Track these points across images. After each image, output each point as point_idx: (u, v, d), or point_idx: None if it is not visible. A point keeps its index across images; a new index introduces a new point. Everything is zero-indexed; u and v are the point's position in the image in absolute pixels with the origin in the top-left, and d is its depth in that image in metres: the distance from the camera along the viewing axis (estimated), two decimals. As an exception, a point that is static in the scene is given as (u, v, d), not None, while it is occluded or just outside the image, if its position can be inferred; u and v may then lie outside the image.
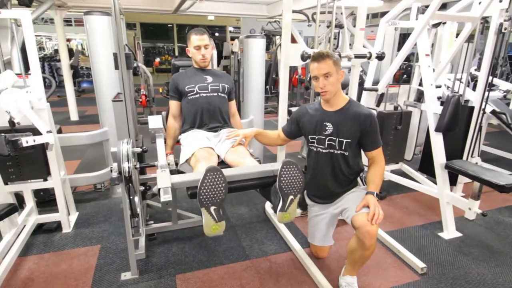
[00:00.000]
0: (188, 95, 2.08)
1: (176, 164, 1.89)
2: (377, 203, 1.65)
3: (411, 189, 2.87)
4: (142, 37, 13.63)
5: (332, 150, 1.79)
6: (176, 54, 14.94)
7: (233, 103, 2.29)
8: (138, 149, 1.69)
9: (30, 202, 2.34)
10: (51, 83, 2.73)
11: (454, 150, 2.79)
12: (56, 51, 10.53)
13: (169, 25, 14.92)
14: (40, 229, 2.38)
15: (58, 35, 5.52)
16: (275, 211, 1.58)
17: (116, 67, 1.84)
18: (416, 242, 2.35)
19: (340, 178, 1.84)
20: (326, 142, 1.79)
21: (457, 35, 2.84)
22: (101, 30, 2.59)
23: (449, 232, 2.43)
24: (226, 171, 1.49)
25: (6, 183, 2.15)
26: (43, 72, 9.51)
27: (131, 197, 1.63)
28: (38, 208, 2.42)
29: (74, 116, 5.96)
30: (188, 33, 2.14)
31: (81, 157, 3.95)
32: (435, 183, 2.55)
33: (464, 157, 2.87)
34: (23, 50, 2.11)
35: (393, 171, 3.12)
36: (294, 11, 2.11)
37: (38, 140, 1.87)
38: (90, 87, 8.76)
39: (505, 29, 2.51)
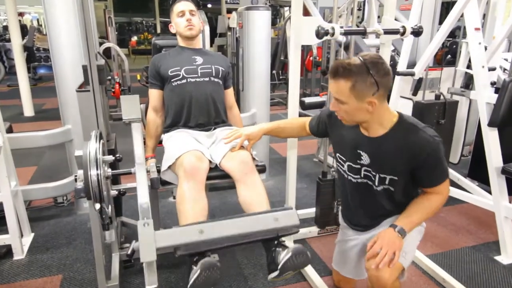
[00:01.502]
0: (172, 80, 2.07)
1: (158, 171, 1.88)
2: (395, 242, 1.48)
3: (459, 200, 2.84)
4: (114, 10, 13.66)
5: (370, 183, 1.64)
6: (158, 31, 14.98)
7: (230, 92, 2.29)
8: (110, 158, 1.68)
9: (-28, 221, 2.34)
10: (-1, 70, 2.74)
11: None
12: (5, 28, 10.57)
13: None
14: (-15, 255, 2.38)
15: (7, 8, 5.54)
16: (268, 271, 1.59)
17: (87, 82, 1.84)
18: (466, 268, 2.33)
19: (379, 214, 1.70)
20: (362, 173, 1.64)
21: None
22: (63, 2, 2.58)
23: (508, 255, 2.41)
24: (222, 227, 1.44)
25: None
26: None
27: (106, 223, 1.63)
28: (-17, 228, 2.43)
29: (28, 111, 5.99)
30: (171, 5, 2.15)
31: (37, 162, 3.95)
32: (489, 192, 2.53)
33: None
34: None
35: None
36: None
37: (-18, 141, 1.87)
38: (49, 73, 8.80)
39: None
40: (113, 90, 5.45)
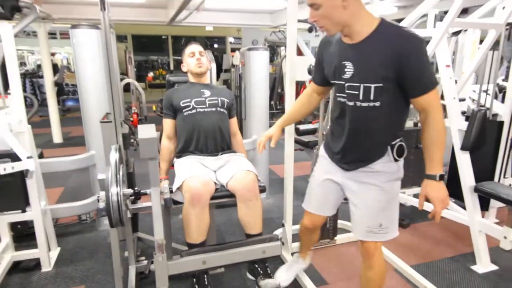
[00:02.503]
0: (184, 111, 2.10)
1: (171, 191, 1.88)
2: (444, 193, 1.36)
3: None
4: (134, 50, 13.94)
5: (352, 103, 1.39)
6: (171, 67, 15.22)
7: (234, 121, 2.31)
8: (130, 191, 1.69)
9: (5, 237, 2.32)
10: (33, 103, 2.77)
11: (483, 171, 2.77)
12: (39, 66, 10.77)
13: (163, 37, 15.28)
14: (16, 267, 2.35)
15: (41, 49, 5.66)
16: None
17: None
18: (446, 277, 2.29)
19: (362, 142, 1.46)
20: (346, 91, 1.39)
21: (481, 41, 2.88)
22: (89, 44, 2.65)
23: (483, 264, 2.38)
24: (217, 260, 1.62)
25: (-21, 216, 2.15)
26: (24, 90, 9.69)
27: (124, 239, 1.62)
28: (14, 243, 2.40)
29: (57, 138, 6.02)
30: (183, 48, 2.21)
31: (64, 184, 3.95)
32: (464, 208, 2.51)
33: (496, 178, 2.85)
34: (3, 67, 2.16)
35: (416, 196, 3.08)
36: (299, 21, 2.14)
37: (17, 167, 1.88)
38: (76, 105, 8.88)
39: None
40: (131, 119, 5.51)
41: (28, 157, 1.99)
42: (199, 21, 6.21)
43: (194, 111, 2.09)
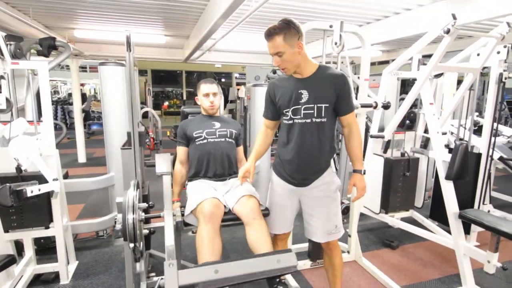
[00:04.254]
0: (196, 140, 2.06)
1: (182, 214, 1.80)
2: (364, 183, 1.70)
3: (423, 238, 2.70)
4: (152, 82, 14.11)
5: (308, 120, 1.62)
6: (184, 98, 15.36)
7: (240, 149, 2.26)
8: (144, 205, 1.61)
9: (29, 251, 2.22)
10: (62, 129, 2.73)
11: (464, 198, 2.68)
12: (70, 94, 10.86)
13: (178, 72, 15.52)
14: (37, 279, 2.23)
15: (72, 81, 5.70)
16: None
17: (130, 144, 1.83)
18: (435, 298, 2.16)
19: (315, 152, 1.66)
20: (302, 112, 1.62)
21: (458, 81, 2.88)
22: (115, 79, 2.65)
23: (468, 286, 2.24)
24: (227, 270, 1.32)
25: (6, 231, 2.06)
26: (56, 115, 9.73)
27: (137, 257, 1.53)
28: (37, 256, 2.29)
29: (82, 158, 5.95)
30: (198, 83, 2.17)
31: (85, 200, 3.85)
32: (448, 231, 2.41)
33: (476, 205, 2.76)
34: (38, 96, 2.14)
35: (403, 219, 2.97)
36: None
37: (44, 189, 1.81)
38: (100, 129, 8.87)
39: (505, 78, 2.54)
40: (148, 143, 5.46)
41: (54, 179, 1.92)
42: (210, 59, 6.29)
43: (205, 141, 2.04)
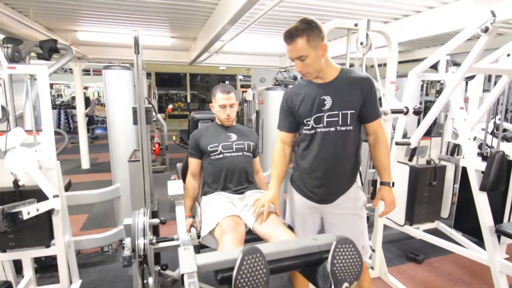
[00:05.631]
0: (211, 155, 1.87)
1: (198, 236, 1.60)
2: (394, 197, 1.55)
3: (447, 250, 2.50)
4: (156, 85, 13.95)
5: (332, 128, 1.46)
6: (188, 100, 15.19)
7: (257, 160, 2.07)
8: (156, 220, 1.42)
9: (29, 271, 2.02)
10: (64, 138, 2.54)
11: (494, 209, 2.47)
12: (73, 98, 10.71)
13: (181, 74, 15.36)
14: (37, 301, 2.04)
15: (76, 85, 5.54)
16: None
17: (135, 122, 1.65)
18: (472, 322, 1.96)
19: (340, 164, 1.50)
20: (325, 120, 1.46)
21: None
22: (119, 83, 2.46)
23: (507, 308, 2.04)
24: (262, 248, 1.18)
25: (4, 251, 1.87)
26: (59, 118, 9.58)
27: (145, 281, 1.34)
28: (38, 274, 2.12)
29: (85, 164, 5.78)
30: (214, 89, 1.97)
31: (88, 211, 3.66)
32: (475, 242, 2.22)
33: (506, 218, 2.56)
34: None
35: (427, 231, 2.76)
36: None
37: (42, 208, 1.62)
38: (104, 133, 8.70)
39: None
40: (153, 148, 5.27)
41: (54, 196, 1.73)
42: (216, 61, 6.11)
43: (221, 155, 1.86)
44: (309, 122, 1.49)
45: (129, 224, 1.37)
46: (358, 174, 1.64)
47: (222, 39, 3.64)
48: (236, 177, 1.85)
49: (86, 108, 5.72)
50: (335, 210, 1.56)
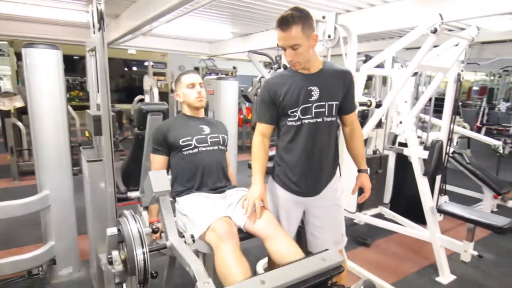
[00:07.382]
0: (183, 150, 1.78)
1: (193, 241, 1.51)
2: (369, 183, 1.75)
3: (390, 231, 2.95)
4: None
5: (320, 119, 1.56)
6: (88, 89, 13.67)
7: (227, 154, 2.06)
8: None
9: None
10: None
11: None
12: None
13: (75, 57, 13.67)
14: None
15: None
16: None
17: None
18: (422, 292, 2.36)
19: (326, 155, 1.62)
20: (313, 110, 1.55)
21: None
22: (47, 67, 2.13)
23: (445, 276, 2.51)
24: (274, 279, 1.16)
25: None
26: None
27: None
28: None
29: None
30: (176, 79, 1.91)
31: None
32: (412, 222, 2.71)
33: (434, 197, 3.11)
34: None
35: (373, 216, 3.16)
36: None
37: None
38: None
39: (462, 78, 2.90)
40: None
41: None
42: (127, 44, 5.61)
43: (196, 150, 1.79)
44: (295, 113, 1.56)
45: (114, 235, 1.24)
46: (338, 165, 1.79)
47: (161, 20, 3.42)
48: (214, 174, 1.81)
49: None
50: (319, 203, 1.67)
